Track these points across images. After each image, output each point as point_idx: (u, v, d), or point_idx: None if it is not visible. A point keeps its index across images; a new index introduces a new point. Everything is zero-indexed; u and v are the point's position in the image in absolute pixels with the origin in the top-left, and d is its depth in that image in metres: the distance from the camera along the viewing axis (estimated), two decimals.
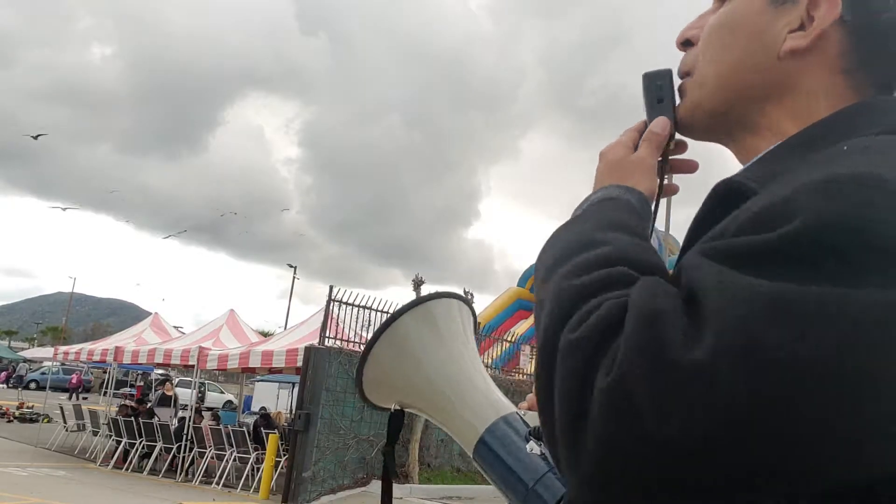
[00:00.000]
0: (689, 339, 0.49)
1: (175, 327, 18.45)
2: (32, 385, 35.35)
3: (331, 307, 12.15)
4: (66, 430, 15.90)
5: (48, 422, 18.07)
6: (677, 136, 0.80)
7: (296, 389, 14.94)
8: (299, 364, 11.71)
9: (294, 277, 47.97)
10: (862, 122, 0.63)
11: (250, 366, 13.04)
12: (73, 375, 35.10)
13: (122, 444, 13.55)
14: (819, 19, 0.67)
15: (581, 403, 0.51)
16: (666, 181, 0.81)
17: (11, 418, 20.63)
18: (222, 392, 35.58)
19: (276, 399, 27.56)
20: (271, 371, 15.84)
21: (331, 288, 12.23)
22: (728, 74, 0.72)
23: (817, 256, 0.49)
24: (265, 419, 14.48)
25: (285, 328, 23.02)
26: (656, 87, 0.80)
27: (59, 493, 10.44)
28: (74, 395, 31.24)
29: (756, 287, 0.49)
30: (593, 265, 0.59)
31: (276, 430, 12.56)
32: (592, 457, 0.50)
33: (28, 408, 21.55)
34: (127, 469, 13.15)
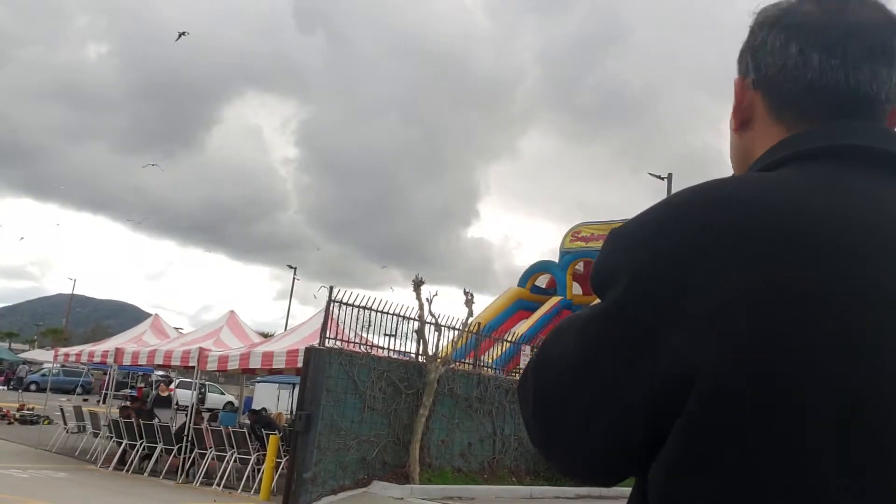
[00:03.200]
0: None
1: (175, 328, 18.46)
2: (33, 387, 35.35)
3: (331, 308, 12.15)
4: (67, 432, 15.89)
5: (49, 423, 18.05)
6: None
7: (296, 390, 14.94)
8: (300, 365, 11.71)
9: (294, 278, 48.00)
10: (756, 165, 0.82)
11: (251, 367, 13.04)
12: (104, 377, 35.02)
13: (123, 445, 13.56)
14: (735, 100, 0.86)
15: None
16: None
17: (12, 420, 20.62)
18: (223, 393, 35.58)
19: (276, 400, 27.55)
20: (272, 372, 15.84)
21: (331, 289, 12.25)
22: (730, 157, 0.92)
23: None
24: (255, 414, 14.50)
25: (285, 329, 23.02)
26: None
27: (60, 495, 10.44)
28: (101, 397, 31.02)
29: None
30: None
31: (273, 429, 12.59)
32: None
33: (28, 409, 21.55)
34: (127, 471, 13.15)
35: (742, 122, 0.86)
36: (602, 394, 0.72)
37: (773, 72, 0.82)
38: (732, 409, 0.64)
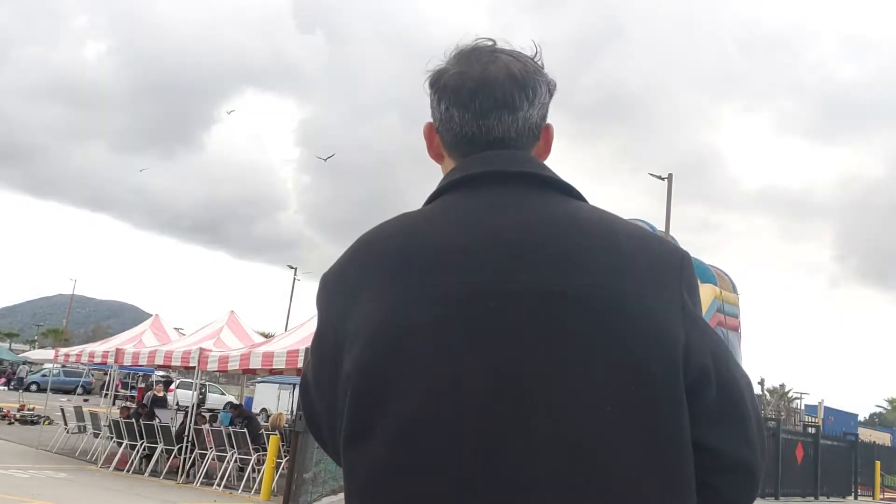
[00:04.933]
0: None
1: (175, 329, 18.46)
2: (33, 387, 35.34)
3: None
4: (67, 432, 15.89)
5: (49, 424, 18.06)
6: None
7: (296, 390, 14.92)
8: (300, 365, 11.70)
9: (294, 279, 47.99)
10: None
11: (251, 367, 13.02)
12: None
13: (123, 445, 13.56)
14: (426, 138, 1.10)
15: None
16: None
17: (12, 420, 20.63)
18: (223, 394, 35.54)
19: (276, 400, 27.58)
20: (272, 372, 15.82)
21: None
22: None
23: None
24: (236, 408, 14.47)
25: (286, 329, 23.02)
26: None
27: (61, 495, 10.44)
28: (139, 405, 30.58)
29: None
30: None
31: (255, 424, 12.61)
32: None
33: (29, 410, 21.56)
34: (128, 471, 13.15)
35: (436, 157, 1.10)
36: (323, 404, 0.96)
37: (438, 123, 1.06)
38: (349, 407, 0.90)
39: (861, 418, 52.98)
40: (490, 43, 1.05)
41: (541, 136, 1.08)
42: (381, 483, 0.85)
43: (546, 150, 1.09)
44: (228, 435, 12.37)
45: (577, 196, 1.00)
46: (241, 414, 13.90)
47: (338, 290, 0.95)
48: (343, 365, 0.90)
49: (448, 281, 0.88)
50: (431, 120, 1.09)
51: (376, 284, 0.91)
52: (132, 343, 15.53)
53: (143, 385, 33.57)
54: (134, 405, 17.22)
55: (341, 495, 10.82)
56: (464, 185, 0.99)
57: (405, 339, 0.86)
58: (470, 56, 1.04)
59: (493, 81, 1.01)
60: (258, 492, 11.50)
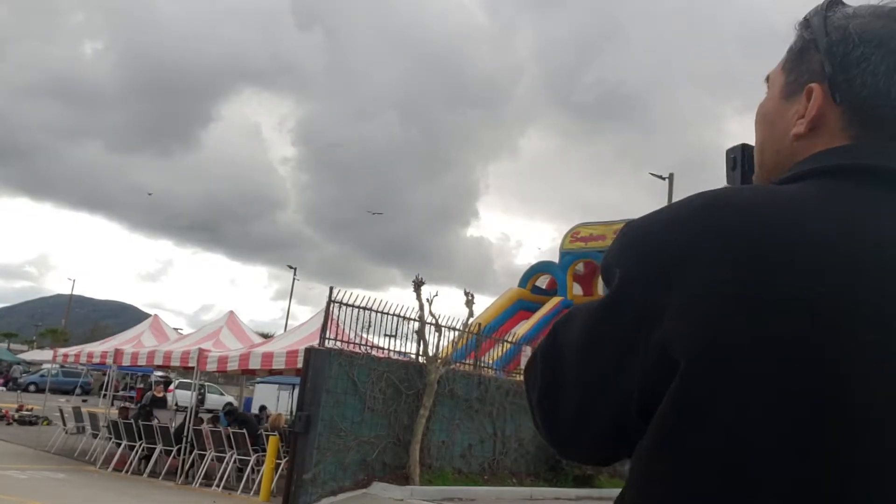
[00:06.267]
0: None
1: (174, 329, 18.45)
2: (32, 388, 35.31)
3: (331, 308, 12.14)
4: (66, 433, 15.86)
5: (47, 424, 18.04)
6: None
7: (296, 391, 14.93)
8: (299, 365, 11.70)
9: (294, 279, 47.99)
10: (787, 173, 0.85)
11: (250, 367, 13.02)
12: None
13: (122, 446, 13.54)
14: (811, 108, 0.84)
15: None
16: None
17: (11, 421, 20.60)
18: (222, 394, 35.50)
19: (276, 401, 27.53)
20: (272, 373, 15.82)
21: (331, 289, 12.22)
22: (761, 153, 0.93)
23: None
24: (231, 415, 14.46)
25: (285, 329, 23.01)
26: (730, 158, 1.03)
27: (59, 496, 10.42)
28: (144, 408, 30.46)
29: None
30: None
31: (251, 426, 12.62)
32: None
33: (27, 410, 21.53)
34: (127, 472, 13.13)
35: (811, 130, 0.85)
36: (603, 381, 0.79)
37: (869, 93, 0.81)
38: (689, 389, 0.71)
39: None
40: None
41: None
42: None
43: None
44: (227, 436, 12.35)
45: None
46: (235, 419, 13.87)
47: (657, 253, 0.76)
48: (650, 339, 0.74)
49: (804, 286, 0.70)
50: (814, 80, 0.85)
51: (716, 262, 0.72)
52: (131, 343, 15.53)
53: (141, 385, 33.58)
54: (132, 405, 17.19)
55: (341, 496, 10.77)
56: (861, 174, 0.78)
57: (739, 337, 0.70)
58: None
59: None
60: (257, 493, 11.48)
